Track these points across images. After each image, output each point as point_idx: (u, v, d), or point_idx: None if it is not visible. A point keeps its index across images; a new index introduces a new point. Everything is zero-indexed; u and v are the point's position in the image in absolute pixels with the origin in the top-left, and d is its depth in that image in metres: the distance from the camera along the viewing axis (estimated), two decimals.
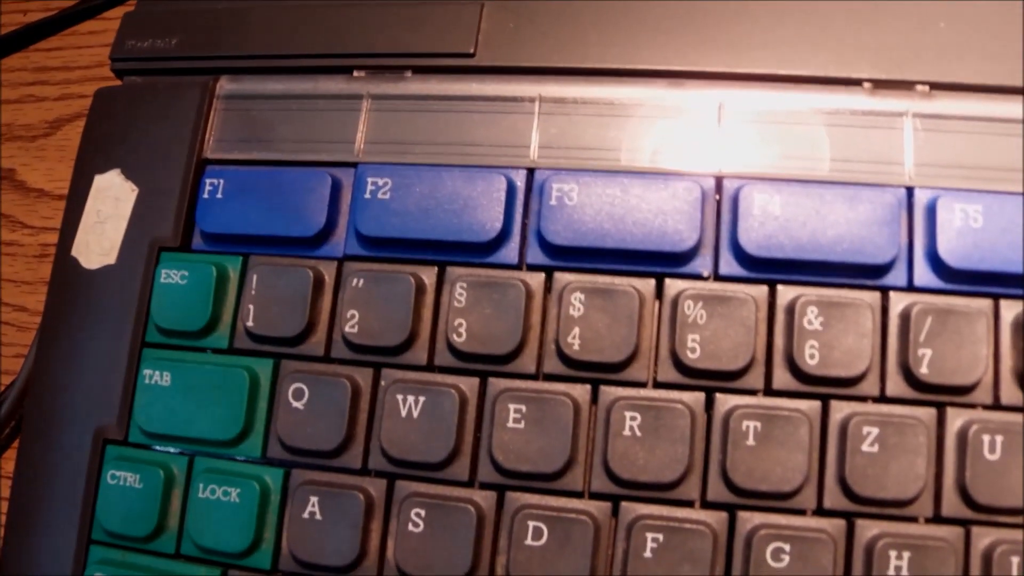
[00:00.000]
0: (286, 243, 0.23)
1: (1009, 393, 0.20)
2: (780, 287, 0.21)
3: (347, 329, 0.22)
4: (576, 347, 0.21)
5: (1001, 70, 0.23)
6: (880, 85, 0.23)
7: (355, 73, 0.25)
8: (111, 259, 0.25)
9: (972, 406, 0.21)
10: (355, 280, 0.23)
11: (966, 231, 0.21)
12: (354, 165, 0.24)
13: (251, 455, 0.22)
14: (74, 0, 0.33)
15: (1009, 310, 0.21)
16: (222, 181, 0.24)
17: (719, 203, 0.22)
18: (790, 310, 0.21)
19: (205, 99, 0.25)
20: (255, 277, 0.23)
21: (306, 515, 0.21)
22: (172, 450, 0.23)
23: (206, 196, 0.24)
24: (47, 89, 0.32)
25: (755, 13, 0.24)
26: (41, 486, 0.23)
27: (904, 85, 0.23)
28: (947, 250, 0.21)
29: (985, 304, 0.21)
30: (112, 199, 0.25)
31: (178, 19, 0.27)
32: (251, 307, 0.23)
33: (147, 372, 0.23)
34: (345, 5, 0.25)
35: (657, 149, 0.23)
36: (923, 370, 0.20)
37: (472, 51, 0.24)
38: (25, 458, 0.23)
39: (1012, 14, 0.23)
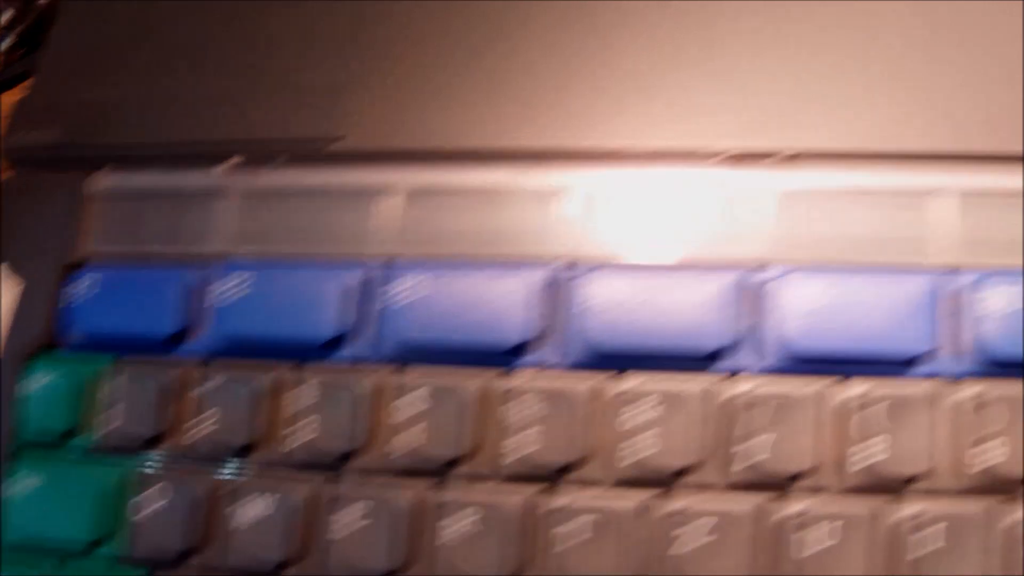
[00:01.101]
0: (150, 343, 0.24)
1: (841, 479, 0.20)
2: (620, 377, 0.21)
3: (202, 430, 0.23)
4: (414, 446, 0.21)
5: (864, 136, 0.23)
6: (738, 157, 0.23)
7: (226, 164, 0.25)
8: None
9: (806, 492, 0.20)
10: (210, 381, 0.23)
11: (807, 312, 0.21)
12: (219, 260, 0.24)
13: (115, 556, 0.23)
14: None
15: (844, 391, 0.21)
16: (94, 279, 0.25)
17: (564, 290, 0.22)
18: (627, 400, 0.21)
19: (81, 194, 0.26)
20: (117, 379, 0.23)
21: None
22: (43, 555, 0.23)
23: (78, 295, 0.25)
24: None
25: (610, 87, 0.24)
26: None
27: (763, 156, 0.23)
28: (787, 332, 0.21)
29: (820, 386, 0.21)
30: None
31: (62, 109, 0.27)
32: (113, 409, 0.23)
33: (17, 476, 0.24)
34: (221, 95, 0.26)
35: (507, 235, 0.23)
36: (755, 458, 0.20)
37: (338, 137, 0.24)
38: None
39: (877, 79, 0.23)
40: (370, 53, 0.25)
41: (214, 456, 0.23)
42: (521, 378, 0.22)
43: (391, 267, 0.23)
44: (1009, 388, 0.21)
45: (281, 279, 0.23)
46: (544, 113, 0.24)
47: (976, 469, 0.20)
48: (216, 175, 0.25)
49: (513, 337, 0.22)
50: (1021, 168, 0.22)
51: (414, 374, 0.22)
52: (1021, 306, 0.21)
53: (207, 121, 0.25)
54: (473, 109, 0.24)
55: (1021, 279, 0.21)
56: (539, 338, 0.22)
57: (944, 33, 0.23)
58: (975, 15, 0.23)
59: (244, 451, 0.23)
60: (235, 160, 0.25)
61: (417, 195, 0.24)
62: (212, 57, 0.26)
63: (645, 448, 0.21)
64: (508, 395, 0.22)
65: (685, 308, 0.21)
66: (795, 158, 0.23)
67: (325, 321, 0.23)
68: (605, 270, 0.22)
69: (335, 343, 0.23)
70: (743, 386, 0.21)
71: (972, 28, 0.23)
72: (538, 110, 0.24)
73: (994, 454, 0.20)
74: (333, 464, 0.22)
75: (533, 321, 0.22)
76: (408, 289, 0.22)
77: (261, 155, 0.25)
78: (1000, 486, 0.20)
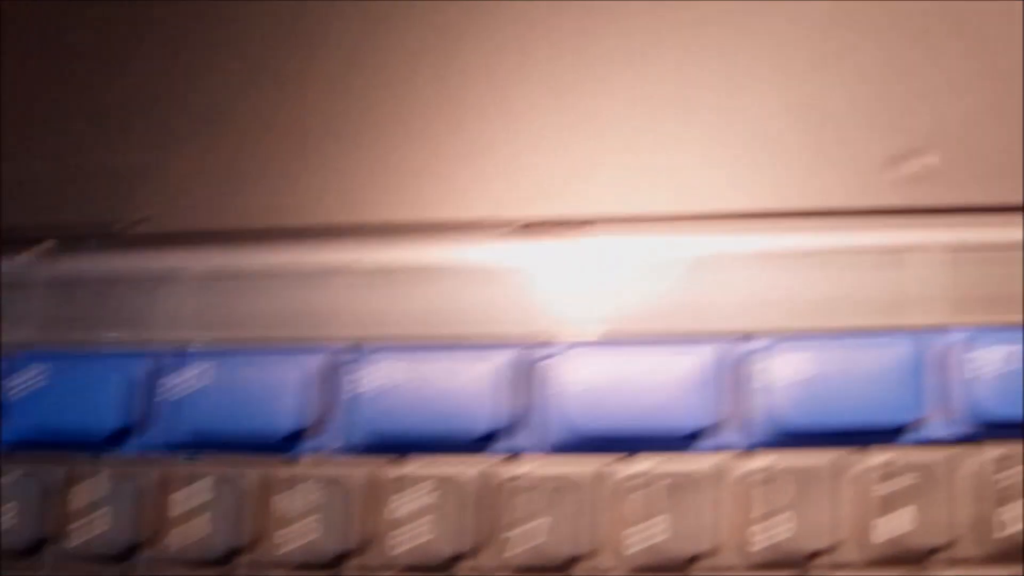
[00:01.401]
0: None
1: (621, 561, 0.20)
2: (397, 462, 0.21)
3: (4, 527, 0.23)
4: (197, 537, 0.21)
5: (657, 199, 0.22)
6: (530, 226, 0.23)
7: (32, 251, 0.25)
8: None
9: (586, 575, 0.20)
10: (5, 475, 0.23)
11: (588, 388, 0.21)
12: (18, 350, 0.24)
13: None
14: None
15: (625, 470, 0.20)
16: None
17: (342, 374, 0.22)
18: (402, 486, 0.21)
19: None
20: None
21: None
22: None
23: None
24: None
25: (401, 158, 0.23)
26: None
27: (555, 224, 0.22)
28: (568, 410, 0.21)
29: (600, 465, 0.20)
30: None
31: None
32: None
33: None
34: (26, 179, 0.26)
35: (293, 317, 0.23)
36: (533, 542, 0.20)
37: (141, 219, 0.24)
38: None
39: (669, 142, 0.22)
40: (174, 134, 0.25)
41: (10, 551, 0.23)
42: (301, 466, 0.21)
43: (181, 354, 0.23)
44: (796, 459, 0.20)
45: (74, 370, 0.23)
46: (337, 188, 0.24)
47: (762, 546, 0.20)
48: (20, 263, 0.25)
49: (292, 423, 0.21)
50: (809, 226, 0.22)
51: (200, 464, 0.22)
52: (811, 372, 0.21)
53: (12, 207, 0.25)
54: (271, 187, 0.24)
55: (811, 344, 0.21)
56: (319, 423, 0.22)
57: (741, 89, 0.23)
58: (783, 70, 0.23)
59: (39, 545, 0.22)
60: (40, 247, 0.25)
61: (211, 278, 0.23)
62: (15, 141, 0.26)
63: (420, 535, 0.20)
64: (287, 483, 0.21)
65: (462, 389, 0.21)
66: (586, 225, 0.22)
67: (116, 412, 0.22)
68: (383, 351, 0.22)
69: (126, 433, 0.22)
70: (521, 468, 0.21)
71: (775, 82, 0.23)
72: (332, 186, 0.24)
73: (780, 530, 0.20)
74: (122, 557, 0.22)
75: (312, 406, 0.22)
76: (196, 376, 0.22)
77: (66, 241, 0.25)
78: (787, 561, 0.20)
